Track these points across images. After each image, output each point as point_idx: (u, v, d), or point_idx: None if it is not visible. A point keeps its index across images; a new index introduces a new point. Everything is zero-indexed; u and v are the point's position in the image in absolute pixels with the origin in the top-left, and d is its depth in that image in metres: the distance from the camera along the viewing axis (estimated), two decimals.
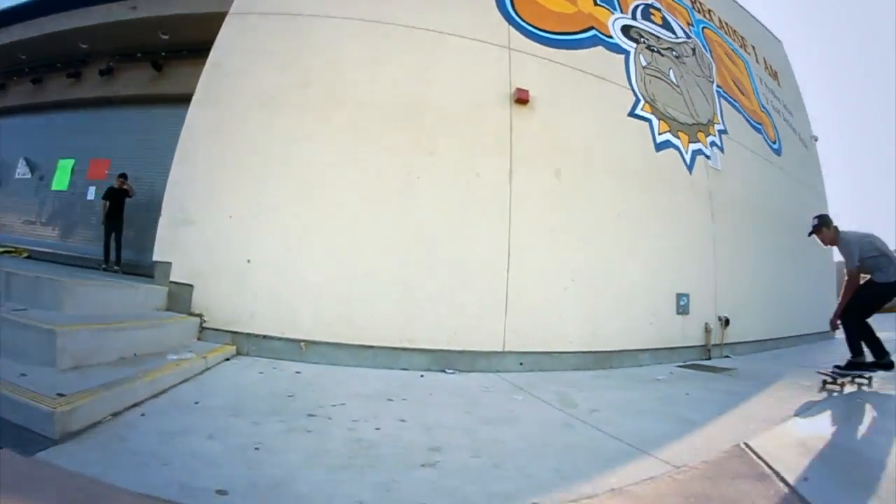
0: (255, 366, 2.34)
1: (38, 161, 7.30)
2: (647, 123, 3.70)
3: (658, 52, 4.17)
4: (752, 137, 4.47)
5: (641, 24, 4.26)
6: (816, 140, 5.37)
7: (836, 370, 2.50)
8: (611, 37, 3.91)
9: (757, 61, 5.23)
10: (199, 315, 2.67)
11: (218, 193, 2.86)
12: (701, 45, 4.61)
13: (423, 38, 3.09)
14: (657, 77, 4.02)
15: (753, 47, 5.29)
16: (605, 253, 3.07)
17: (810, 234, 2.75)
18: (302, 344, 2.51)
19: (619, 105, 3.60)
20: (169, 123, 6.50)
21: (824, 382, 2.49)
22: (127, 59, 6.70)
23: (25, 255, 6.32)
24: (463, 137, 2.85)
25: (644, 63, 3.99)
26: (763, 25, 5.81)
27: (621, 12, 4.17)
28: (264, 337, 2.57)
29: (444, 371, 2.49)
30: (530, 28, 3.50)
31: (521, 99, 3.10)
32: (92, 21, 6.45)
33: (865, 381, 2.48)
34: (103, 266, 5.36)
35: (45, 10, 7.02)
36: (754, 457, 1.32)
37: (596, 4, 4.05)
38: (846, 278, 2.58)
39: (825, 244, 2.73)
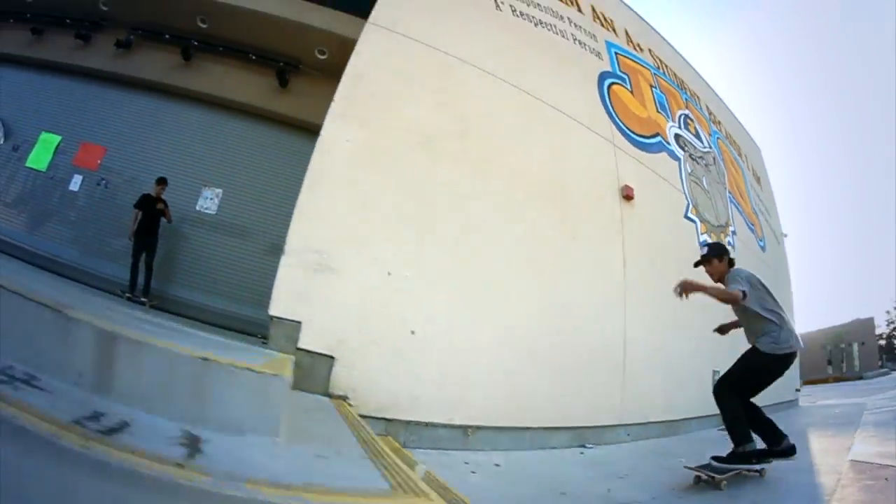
0: (439, 459, 2.05)
1: (16, 126, 6.14)
2: (693, 224, 4.53)
3: (695, 160, 5.07)
4: (748, 237, 5.62)
5: (684, 132, 5.14)
6: (786, 237, 6.86)
7: (715, 463, 2.04)
8: (669, 143, 4.71)
9: (748, 168, 6.52)
10: (343, 397, 2.17)
11: (371, 240, 2.48)
12: (717, 154, 5.67)
13: (560, 119, 3.54)
14: (696, 183, 4.91)
15: (746, 155, 6.60)
16: (675, 334, 3.74)
17: (697, 264, 2.47)
18: (469, 430, 2.40)
19: (678, 206, 4.38)
20: (188, 123, 5.93)
21: (697, 479, 2.08)
22: (151, 37, 6.02)
23: None
24: (594, 224, 3.34)
25: (689, 170, 4.85)
26: (748, 134, 7.22)
27: (672, 121, 5.01)
28: (426, 424, 2.30)
29: (584, 446, 2.81)
30: (623, 127, 4.12)
31: (628, 195, 3.67)
32: None
33: (756, 473, 2.10)
34: (127, 294, 4.51)
35: None
36: (865, 461, 2.25)
37: (658, 112, 4.82)
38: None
39: (714, 278, 2.40)
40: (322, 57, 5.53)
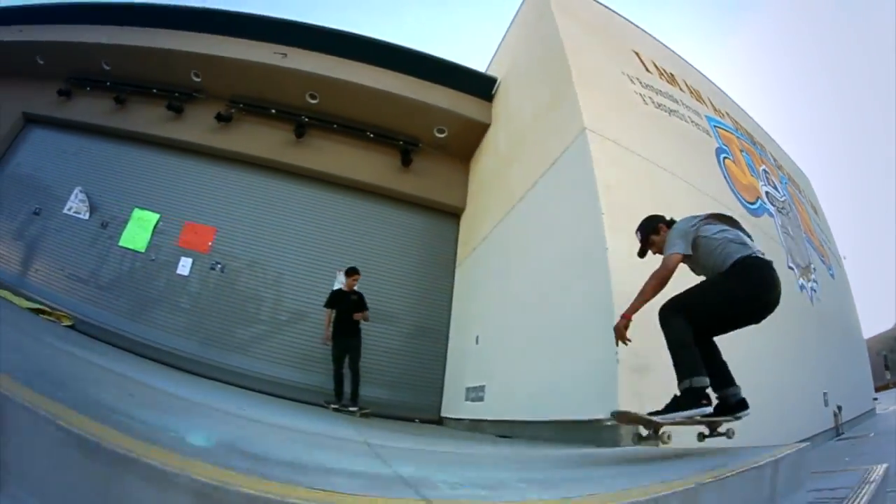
0: None
1: (102, 201, 6.69)
2: (793, 271, 6.22)
3: (780, 211, 6.83)
4: (822, 269, 7.46)
5: (769, 188, 6.90)
6: (845, 258, 8.88)
7: (653, 417, 1.94)
8: (766, 203, 6.39)
9: (807, 202, 8.51)
10: None
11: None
12: (789, 200, 7.52)
13: (710, 203, 4.81)
14: (786, 233, 6.64)
15: (803, 190, 8.60)
16: (803, 371, 5.32)
17: (643, 254, 2.40)
18: None
19: (781, 260, 6.02)
20: (306, 203, 6.77)
21: (638, 437, 2.09)
22: (253, 111, 6.84)
23: (67, 322, 5.85)
24: None
25: (780, 223, 6.57)
26: (797, 165, 9.30)
27: (760, 180, 6.75)
28: None
29: None
30: (741, 199, 5.69)
31: None
32: (219, 52, 6.55)
33: (707, 426, 2.05)
34: (333, 405, 4.72)
35: (156, 20, 6.81)
36: None
37: (751, 175, 6.52)
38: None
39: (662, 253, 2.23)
40: (441, 135, 6.69)
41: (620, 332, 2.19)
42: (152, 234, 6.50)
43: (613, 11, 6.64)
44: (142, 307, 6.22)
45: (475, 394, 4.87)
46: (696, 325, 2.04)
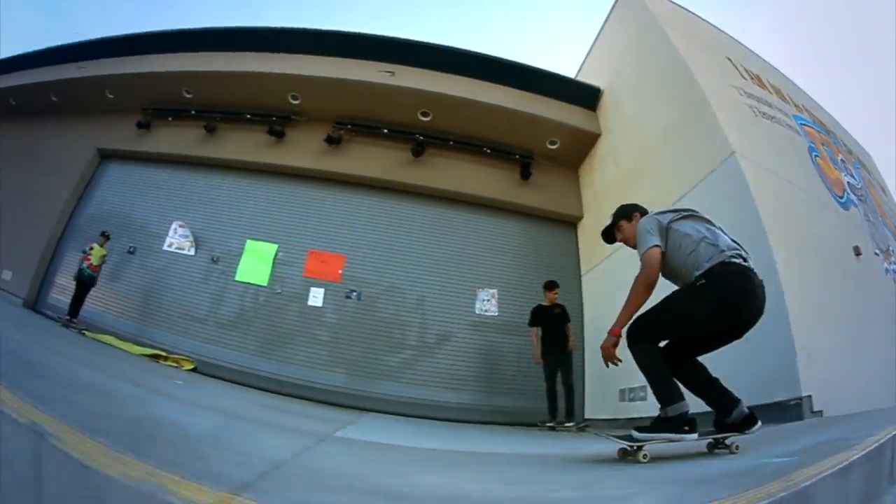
0: None
1: (206, 234, 7.75)
2: (878, 257, 8.33)
3: (860, 198, 8.95)
4: None
5: (848, 177, 9.00)
6: None
7: (635, 433, 2.19)
8: (851, 195, 8.45)
9: (876, 183, 10.78)
10: None
11: (833, 326, 5.16)
12: (864, 185, 9.71)
13: (814, 203, 6.71)
14: (868, 220, 8.75)
15: (871, 172, 10.86)
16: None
17: (611, 240, 2.68)
18: None
19: (869, 249, 8.10)
20: (431, 222, 8.02)
21: (623, 452, 2.30)
22: (364, 131, 8.03)
23: (189, 366, 6.85)
24: (847, 283, 6.71)
25: (863, 211, 8.67)
26: (860, 144, 11.56)
27: (842, 171, 8.82)
28: None
29: None
30: (833, 193, 7.68)
31: (859, 253, 7.21)
32: (319, 73, 7.62)
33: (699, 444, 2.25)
34: (549, 424, 5.37)
35: (245, 43, 7.91)
36: None
37: (835, 168, 8.57)
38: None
39: (632, 244, 2.53)
40: (552, 147, 8.26)
41: (609, 352, 2.29)
42: (273, 266, 7.52)
43: (700, 17, 8.47)
44: (274, 343, 7.19)
45: (634, 394, 6.52)
46: (669, 346, 2.30)
